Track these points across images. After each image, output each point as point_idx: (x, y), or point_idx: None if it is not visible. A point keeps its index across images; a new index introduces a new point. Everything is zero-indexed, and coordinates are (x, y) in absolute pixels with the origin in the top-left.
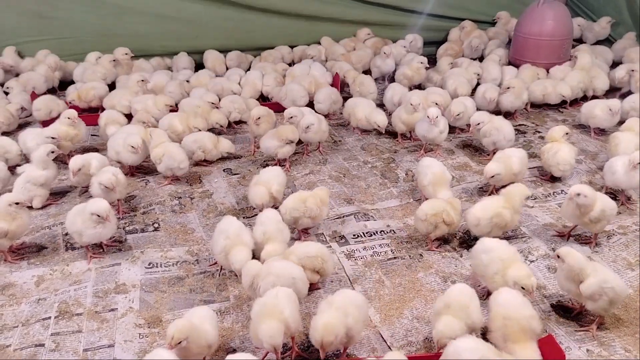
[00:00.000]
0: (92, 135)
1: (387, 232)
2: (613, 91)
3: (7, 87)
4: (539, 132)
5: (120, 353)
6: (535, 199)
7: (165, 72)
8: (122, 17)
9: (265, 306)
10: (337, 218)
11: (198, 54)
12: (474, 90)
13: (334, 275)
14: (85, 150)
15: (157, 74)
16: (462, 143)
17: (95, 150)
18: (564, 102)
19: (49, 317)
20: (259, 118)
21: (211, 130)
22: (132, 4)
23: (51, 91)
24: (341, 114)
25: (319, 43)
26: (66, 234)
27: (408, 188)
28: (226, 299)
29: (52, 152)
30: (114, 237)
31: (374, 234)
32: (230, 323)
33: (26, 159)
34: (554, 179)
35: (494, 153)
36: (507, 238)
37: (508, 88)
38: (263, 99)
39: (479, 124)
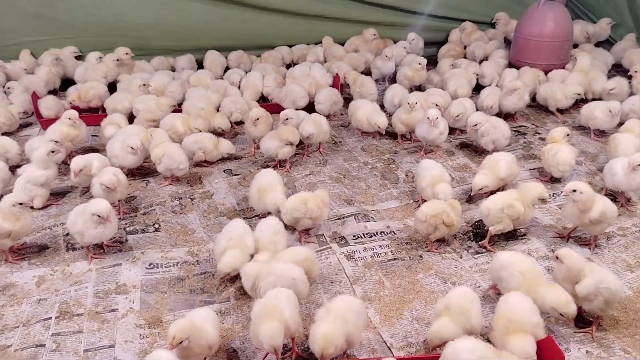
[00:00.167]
0: (92, 135)
1: (387, 233)
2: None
3: (8, 88)
4: (539, 133)
5: (121, 353)
6: None
7: (167, 73)
8: (122, 17)
9: (266, 307)
10: (337, 219)
11: (199, 54)
12: (474, 90)
13: (334, 276)
14: (86, 150)
15: (159, 74)
16: (462, 144)
17: (96, 150)
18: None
19: (50, 318)
20: (258, 119)
21: (212, 132)
22: (132, 4)
23: (52, 92)
24: (341, 114)
25: (317, 43)
26: (67, 235)
27: (408, 189)
28: (226, 300)
29: (53, 151)
30: (114, 237)
31: (374, 235)
32: (230, 324)
33: (27, 160)
34: (553, 180)
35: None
36: (507, 239)
37: (513, 90)
38: (263, 100)
39: (476, 124)
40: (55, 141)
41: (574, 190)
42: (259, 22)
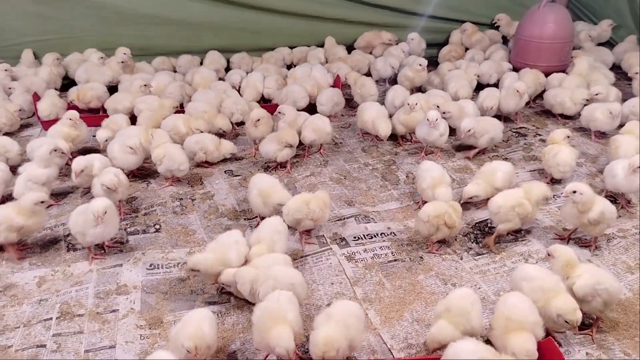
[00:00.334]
0: (93, 136)
1: (388, 235)
2: None
3: (10, 88)
4: (540, 134)
5: (122, 354)
6: None
7: (168, 73)
8: (123, 17)
9: (268, 310)
10: (338, 220)
11: (200, 54)
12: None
13: (334, 277)
14: (86, 151)
15: (160, 74)
16: (462, 145)
17: (97, 151)
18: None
19: (51, 318)
20: (258, 120)
21: (215, 133)
22: (133, 4)
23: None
24: (342, 115)
25: (318, 45)
26: (68, 235)
27: (408, 190)
28: (227, 300)
29: (55, 150)
30: (115, 238)
31: (375, 236)
32: (230, 324)
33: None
34: (554, 182)
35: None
36: (507, 241)
37: (518, 92)
38: (264, 100)
39: (469, 130)
40: (62, 152)
41: (574, 191)
42: (259, 23)
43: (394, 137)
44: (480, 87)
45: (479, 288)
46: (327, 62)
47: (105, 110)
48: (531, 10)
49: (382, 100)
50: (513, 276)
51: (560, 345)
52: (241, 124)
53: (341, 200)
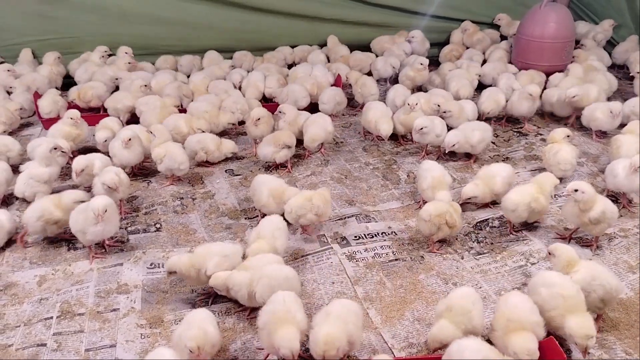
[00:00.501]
0: (94, 135)
1: (389, 234)
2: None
3: (10, 87)
4: (541, 134)
5: (122, 353)
6: None
7: (169, 72)
8: (124, 17)
9: (276, 314)
10: (339, 219)
11: (201, 54)
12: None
13: (335, 276)
14: (87, 150)
15: (160, 74)
16: None
17: (98, 150)
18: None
19: (51, 317)
20: (259, 119)
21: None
22: (134, 4)
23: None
24: (343, 115)
25: (319, 44)
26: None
27: (409, 190)
28: (228, 300)
29: (55, 148)
30: (116, 237)
31: (375, 235)
32: (231, 324)
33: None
34: None
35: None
36: (509, 241)
37: (531, 95)
38: (265, 100)
39: (454, 145)
40: (62, 151)
41: (576, 190)
42: (260, 23)
43: (395, 136)
44: (481, 87)
45: (480, 287)
46: (329, 62)
47: (106, 110)
48: (532, 9)
49: (383, 100)
50: (531, 282)
51: (561, 344)
52: (242, 123)
53: (342, 199)
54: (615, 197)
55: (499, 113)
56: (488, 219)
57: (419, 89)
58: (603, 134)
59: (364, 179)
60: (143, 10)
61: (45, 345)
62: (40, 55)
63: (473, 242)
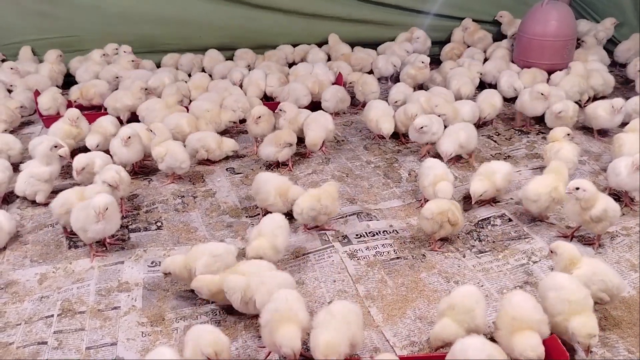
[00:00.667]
0: None
1: (390, 232)
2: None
3: (11, 86)
4: (543, 132)
5: (123, 351)
6: None
7: (169, 70)
8: (125, 16)
9: (279, 312)
10: (340, 218)
11: (202, 52)
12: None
13: (337, 275)
14: (88, 148)
15: (159, 73)
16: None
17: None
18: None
19: (52, 315)
20: (259, 117)
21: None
22: (134, 3)
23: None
24: (344, 113)
25: (319, 43)
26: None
27: (411, 188)
28: None
29: (55, 146)
30: (117, 235)
31: (377, 233)
32: (232, 322)
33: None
34: None
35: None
36: (511, 239)
37: (542, 94)
38: (267, 98)
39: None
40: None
41: (577, 188)
42: (261, 21)
43: (396, 135)
44: (483, 85)
45: (482, 286)
46: (329, 60)
47: (105, 108)
48: (534, 7)
49: (384, 98)
50: (540, 285)
51: (564, 343)
52: (243, 121)
53: (343, 198)
54: (617, 195)
55: (497, 114)
56: (490, 217)
57: (420, 87)
58: (605, 133)
59: (365, 177)
60: (143, 9)
61: (46, 343)
62: (40, 54)
63: (475, 240)
